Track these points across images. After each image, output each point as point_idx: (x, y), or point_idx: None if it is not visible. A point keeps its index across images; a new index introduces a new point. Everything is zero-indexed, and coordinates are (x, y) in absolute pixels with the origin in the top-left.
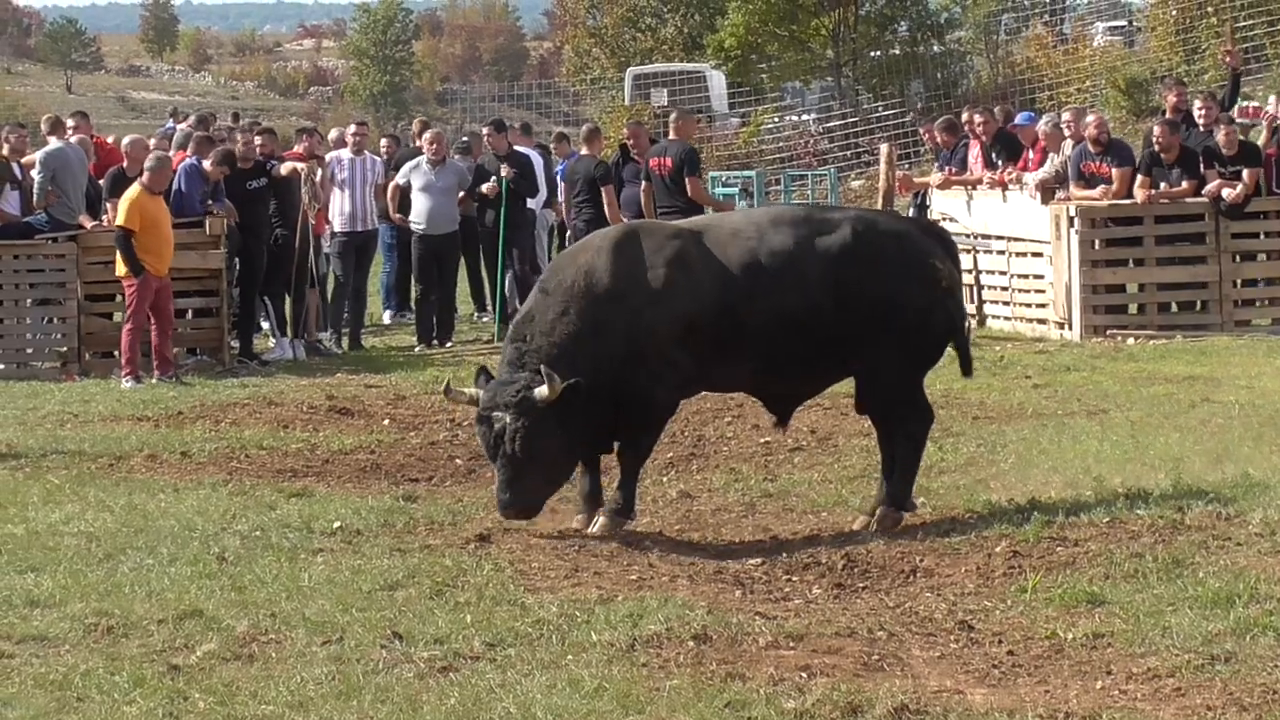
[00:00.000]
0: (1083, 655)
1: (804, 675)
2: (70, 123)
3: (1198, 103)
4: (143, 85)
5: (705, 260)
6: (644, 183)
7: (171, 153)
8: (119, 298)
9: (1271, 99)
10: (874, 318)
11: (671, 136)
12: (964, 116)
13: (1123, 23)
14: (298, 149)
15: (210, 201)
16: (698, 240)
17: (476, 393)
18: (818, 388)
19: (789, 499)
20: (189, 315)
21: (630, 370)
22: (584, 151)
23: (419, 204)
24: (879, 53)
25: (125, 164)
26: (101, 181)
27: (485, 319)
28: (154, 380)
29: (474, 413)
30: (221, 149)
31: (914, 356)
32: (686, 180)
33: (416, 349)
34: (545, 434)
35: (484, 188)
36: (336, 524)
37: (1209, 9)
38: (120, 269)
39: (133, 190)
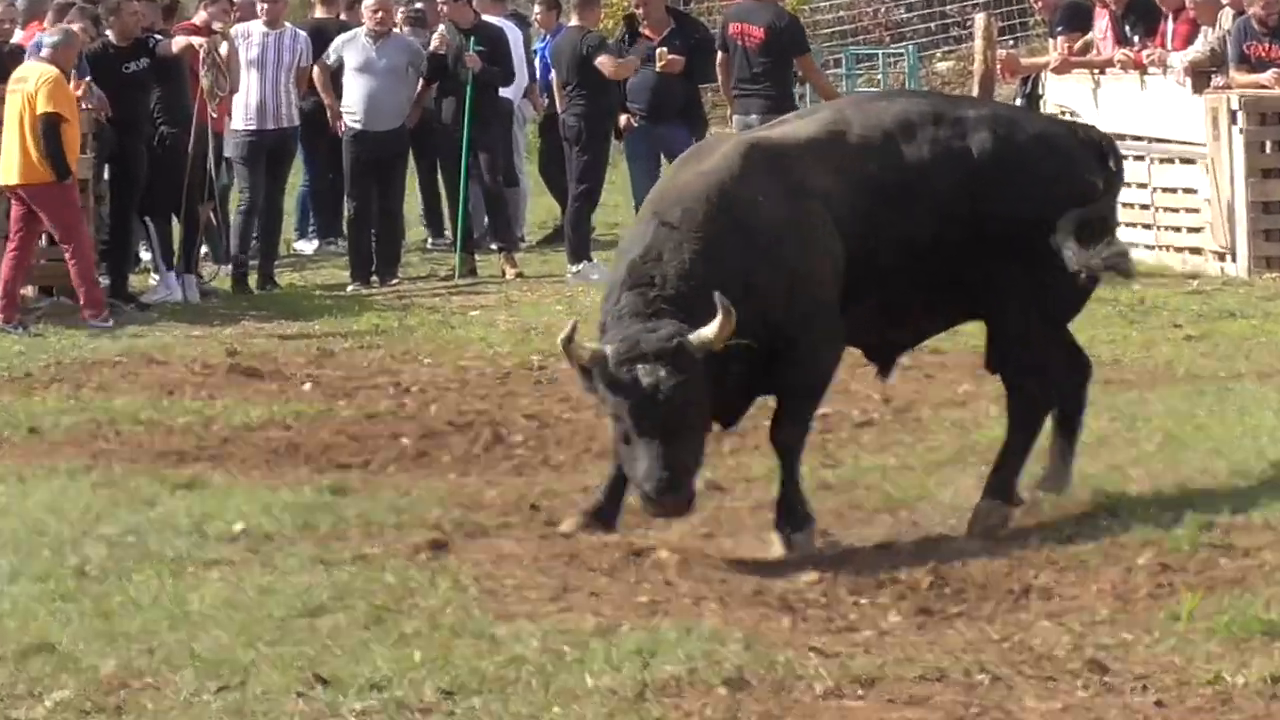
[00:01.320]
0: (1258, 707)
1: None
2: None
3: None
4: None
5: (844, 182)
6: (720, 54)
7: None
8: None
9: None
10: (1010, 246)
11: None
12: None
13: None
14: (195, 20)
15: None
16: (828, 155)
17: (603, 349)
18: (936, 330)
19: (855, 492)
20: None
21: (794, 322)
22: (574, 22)
23: (354, 91)
24: None
25: None
26: None
27: (442, 245)
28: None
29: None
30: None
31: (1051, 300)
32: (797, 60)
33: (349, 288)
34: (701, 396)
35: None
36: (239, 526)
37: None
38: (29, 173)
39: (46, 70)
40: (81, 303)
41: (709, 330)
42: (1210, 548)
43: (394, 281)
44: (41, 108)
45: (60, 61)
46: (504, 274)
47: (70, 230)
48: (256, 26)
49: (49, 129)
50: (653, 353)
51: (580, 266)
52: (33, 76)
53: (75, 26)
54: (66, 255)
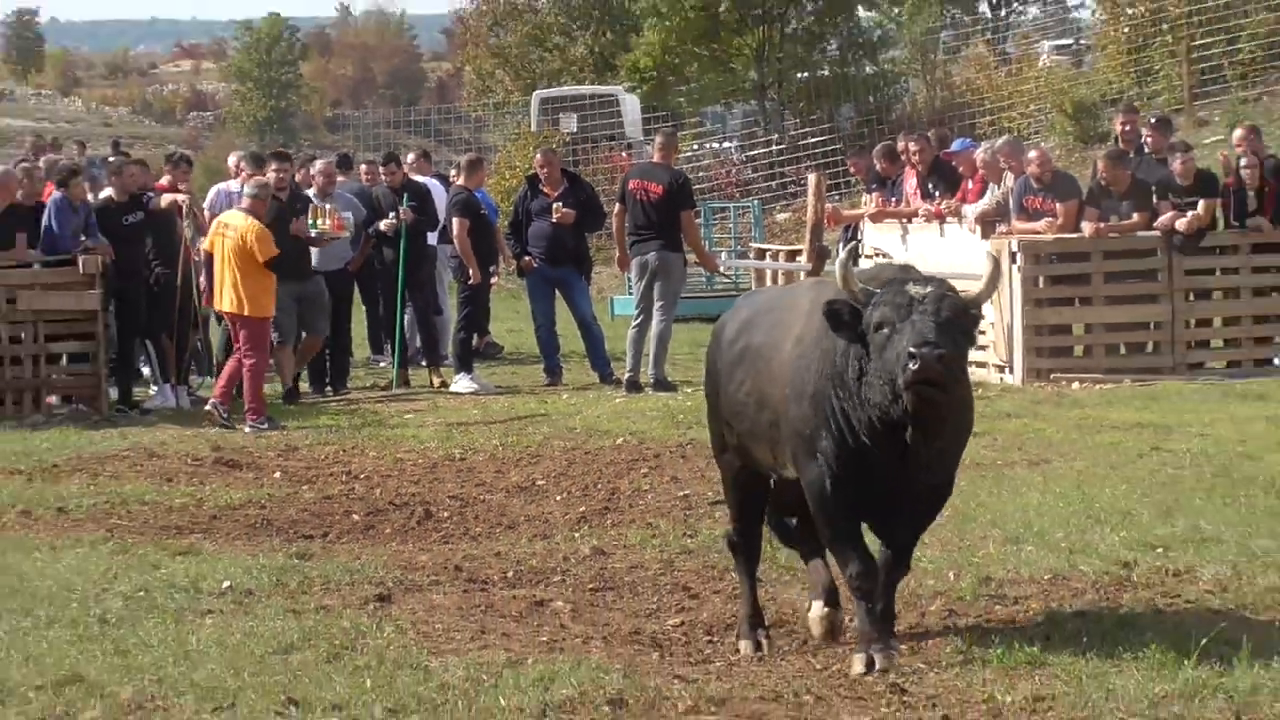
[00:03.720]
0: (1023, 719)
1: None
2: None
3: (1145, 130)
4: (5, 111)
5: None
6: (618, 205)
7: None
8: None
9: (1238, 131)
10: None
11: (657, 159)
12: (899, 144)
13: (1070, 41)
14: (163, 180)
15: (84, 238)
16: None
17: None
18: None
19: (709, 555)
20: (63, 361)
21: None
22: (459, 182)
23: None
24: (806, 74)
25: None
26: None
27: (383, 363)
28: (247, 428)
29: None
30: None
31: None
32: (681, 215)
33: (308, 396)
34: (964, 355)
35: (381, 225)
36: (226, 583)
37: (1164, 26)
38: (233, 304)
39: (251, 221)
40: (247, 408)
41: (981, 284)
42: (987, 597)
43: (344, 391)
44: (249, 249)
45: (256, 210)
46: (431, 384)
47: (258, 351)
48: (235, 184)
49: (247, 270)
50: (922, 279)
51: (465, 378)
52: (237, 224)
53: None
54: (246, 368)
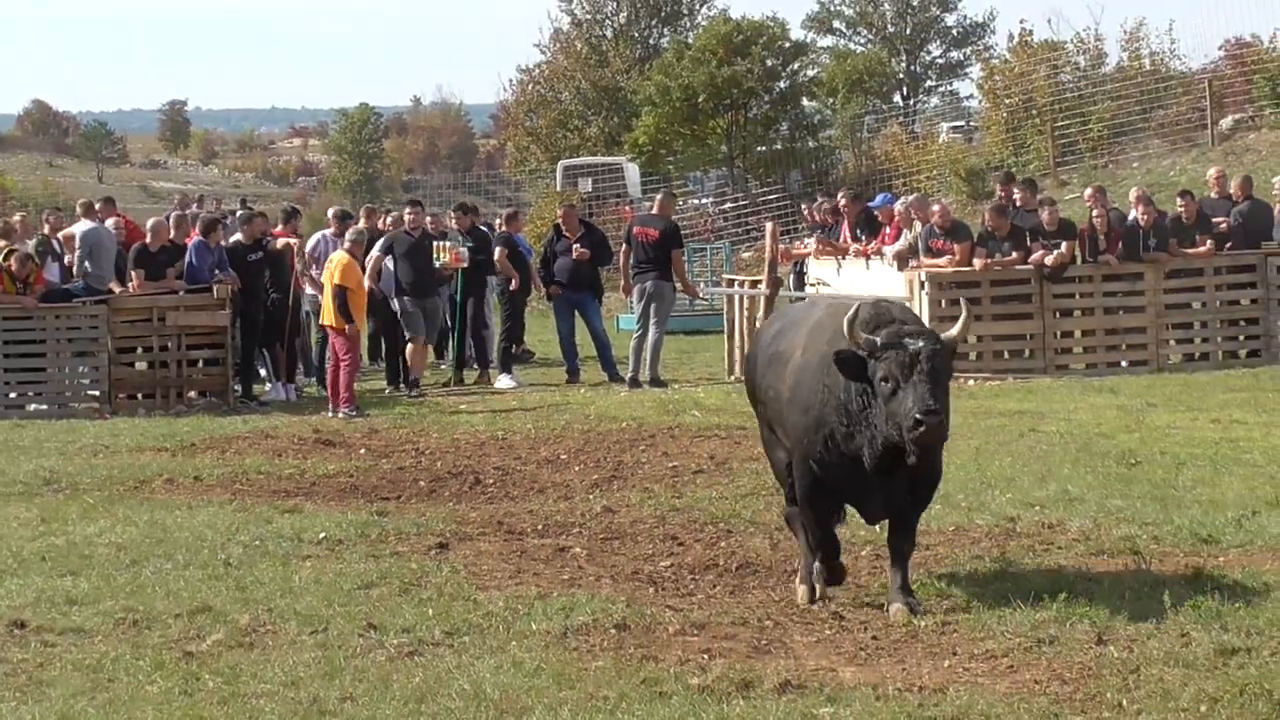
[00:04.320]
0: (933, 639)
1: (706, 657)
2: (98, 205)
3: (1016, 191)
4: (160, 176)
5: None
6: (624, 246)
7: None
8: (139, 349)
9: (1089, 190)
10: None
11: (655, 212)
12: (839, 199)
13: (962, 122)
14: (278, 228)
15: (218, 271)
16: None
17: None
18: None
19: (693, 512)
20: (200, 365)
21: None
22: (502, 229)
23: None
24: (764, 147)
25: (147, 239)
26: (128, 254)
27: (443, 365)
28: (340, 414)
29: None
30: (211, 218)
31: None
32: (673, 253)
33: (386, 390)
34: (948, 377)
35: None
36: (321, 535)
37: (1033, 111)
38: (332, 319)
39: (343, 257)
40: (342, 398)
41: (956, 328)
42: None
43: (420, 391)
44: (336, 280)
45: (354, 251)
46: (479, 382)
47: (351, 355)
48: (329, 233)
49: (339, 296)
50: (915, 333)
51: (506, 377)
52: (336, 260)
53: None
54: (343, 368)
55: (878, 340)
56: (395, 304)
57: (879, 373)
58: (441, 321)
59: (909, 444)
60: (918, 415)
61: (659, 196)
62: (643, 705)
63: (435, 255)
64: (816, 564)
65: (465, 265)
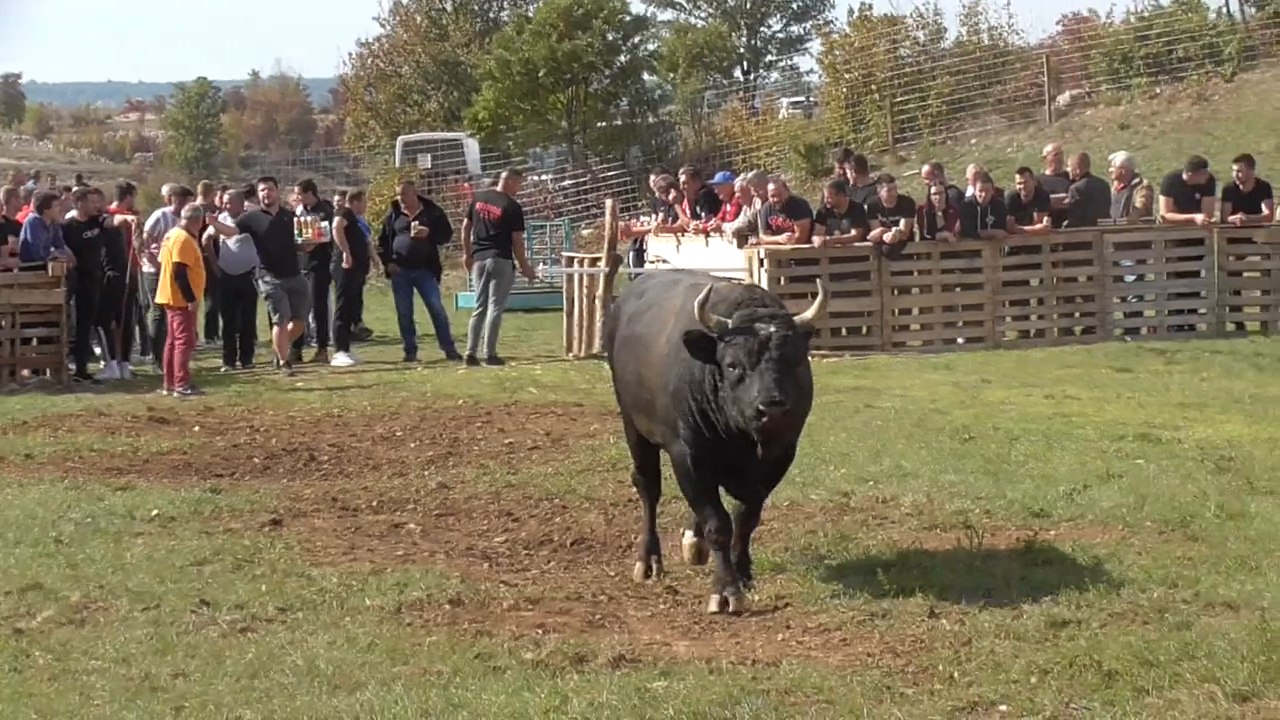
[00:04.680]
0: (767, 613)
1: (540, 631)
2: None
3: (848, 168)
4: None
5: None
6: (466, 220)
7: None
8: None
9: (926, 167)
10: None
11: (499, 189)
12: (681, 176)
13: (802, 98)
14: (115, 205)
15: (53, 248)
16: None
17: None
18: None
19: (528, 488)
20: (34, 342)
21: None
22: (346, 206)
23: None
24: (605, 123)
25: None
26: None
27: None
28: (175, 392)
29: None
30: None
31: None
32: (514, 234)
33: (222, 369)
34: (805, 363)
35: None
36: (155, 512)
37: (873, 87)
38: (169, 297)
39: (180, 234)
40: (177, 376)
41: (811, 310)
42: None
43: (250, 366)
44: (175, 258)
45: (191, 228)
46: (317, 360)
47: (186, 333)
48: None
49: (178, 273)
50: (767, 316)
51: (343, 355)
52: (174, 237)
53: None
54: (178, 346)
55: (728, 323)
56: (261, 285)
57: (726, 358)
58: (309, 298)
59: (753, 433)
60: (760, 406)
61: (504, 174)
62: (476, 680)
63: (296, 231)
64: (720, 560)
65: (327, 240)
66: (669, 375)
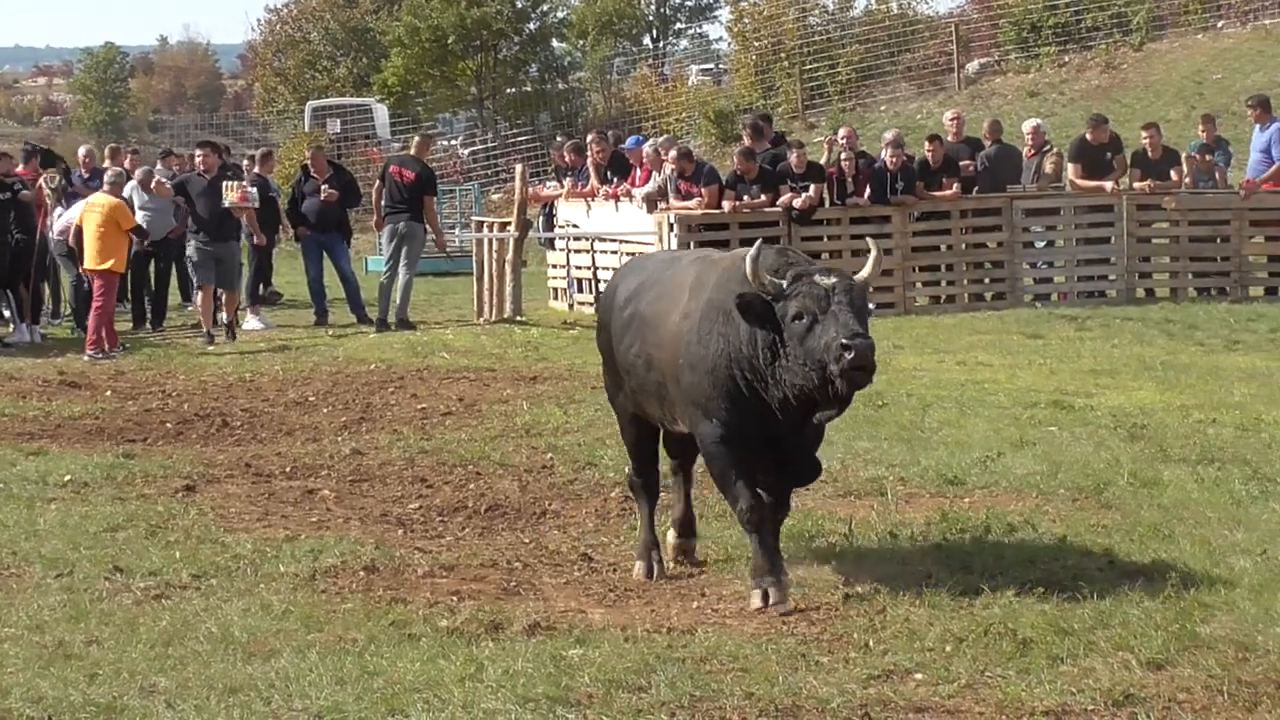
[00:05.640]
0: (682, 581)
1: (455, 599)
2: None
3: (746, 132)
4: None
5: None
6: (378, 184)
7: None
8: None
9: (842, 130)
10: None
11: (412, 153)
12: (590, 139)
13: (711, 65)
14: (22, 168)
15: None
16: None
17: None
18: None
19: (442, 454)
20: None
21: None
22: (253, 170)
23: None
24: (514, 89)
25: None
26: None
27: (190, 308)
28: (87, 356)
29: None
30: None
31: None
32: (425, 199)
33: (131, 331)
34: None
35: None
36: (67, 477)
37: (782, 55)
38: (105, 261)
39: (102, 197)
40: (90, 340)
41: (867, 268)
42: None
43: (160, 329)
44: (98, 222)
45: (114, 191)
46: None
47: (105, 298)
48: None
49: (100, 236)
50: (823, 270)
51: (254, 319)
52: (102, 202)
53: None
54: (95, 311)
55: (782, 283)
56: (189, 248)
57: (790, 310)
58: (238, 266)
59: (838, 378)
60: (845, 340)
61: (416, 139)
62: (391, 647)
63: (224, 195)
64: (756, 546)
65: (255, 205)
66: (693, 352)
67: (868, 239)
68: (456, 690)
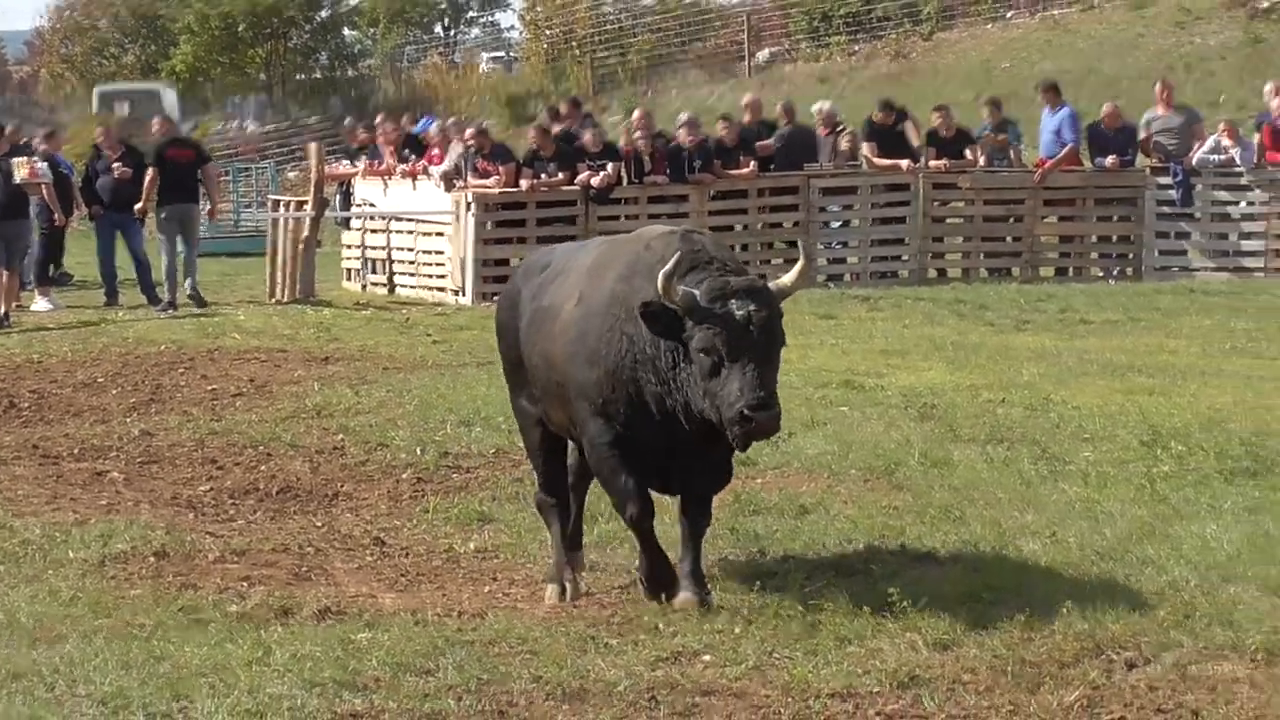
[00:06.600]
0: (474, 565)
1: (245, 584)
2: None
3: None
4: None
5: None
6: (152, 169)
7: None
8: None
9: (636, 112)
10: None
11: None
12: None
13: (502, 53)
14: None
15: None
16: None
17: (693, 290)
18: None
19: (233, 436)
20: None
21: None
22: (41, 147)
23: None
24: (304, 76)
25: None
26: None
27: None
28: None
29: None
30: None
31: None
32: (204, 169)
33: None
34: (782, 335)
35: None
36: None
37: (574, 43)
38: None
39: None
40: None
41: (791, 275)
42: (447, 468)
43: None
44: None
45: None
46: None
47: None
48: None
49: None
50: (744, 289)
51: (43, 300)
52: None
53: None
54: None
55: (697, 296)
56: None
57: (697, 342)
58: (24, 247)
59: (731, 437)
60: (745, 410)
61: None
62: (180, 633)
63: (14, 172)
64: (648, 554)
65: (47, 181)
66: (592, 347)
67: (798, 242)
68: (243, 674)
